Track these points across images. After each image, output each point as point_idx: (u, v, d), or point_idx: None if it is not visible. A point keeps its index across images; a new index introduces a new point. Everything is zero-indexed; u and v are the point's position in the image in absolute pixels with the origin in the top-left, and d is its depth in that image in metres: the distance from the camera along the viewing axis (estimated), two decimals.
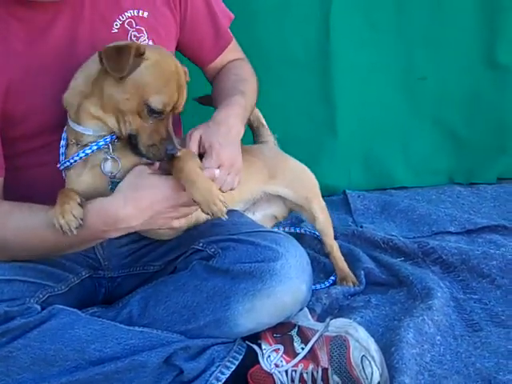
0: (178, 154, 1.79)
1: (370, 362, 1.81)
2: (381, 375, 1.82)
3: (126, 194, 1.79)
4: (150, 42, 2.01)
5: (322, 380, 1.84)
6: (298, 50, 3.19)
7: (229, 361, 1.86)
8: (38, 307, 1.83)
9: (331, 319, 1.96)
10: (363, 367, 1.81)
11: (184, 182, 1.77)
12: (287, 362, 1.87)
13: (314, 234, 2.70)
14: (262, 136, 2.46)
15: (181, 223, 1.89)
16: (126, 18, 2.00)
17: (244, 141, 2.13)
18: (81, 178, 1.83)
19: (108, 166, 1.82)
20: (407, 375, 1.89)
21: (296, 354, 1.88)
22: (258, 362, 1.87)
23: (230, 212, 2.08)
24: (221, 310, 1.87)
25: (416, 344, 2.03)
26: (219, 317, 1.87)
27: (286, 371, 1.86)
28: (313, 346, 1.88)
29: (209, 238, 1.98)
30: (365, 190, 3.26)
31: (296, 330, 1.94)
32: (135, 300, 1.96)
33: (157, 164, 1.83)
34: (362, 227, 2.89)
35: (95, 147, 1.80)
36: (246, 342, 1.92)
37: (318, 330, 1.91)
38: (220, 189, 1.87)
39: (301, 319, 1.98)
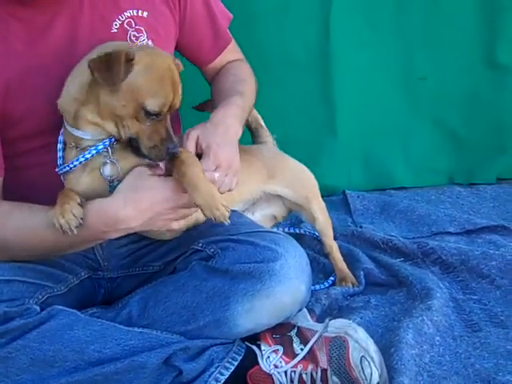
0: (179, 150, 1.80)
1: (369, 363, 1.81)
2: (380, 376, 1.82)
3: (126, 194, 1.79)
4: (150, 42, 2.01)
5: (321, 381, 1.84)
6: (298, 51, 3.19)
7: (228, 361, 1.86)
8: (38, 308, 1.83)
9: (330, 320, 1.96)
10: (362, 368, 1.81)
11: (187, 186, 1.77)
12: (286, 363, 1.87)
13: (314, 234, 2.70)
14: (261, 137, 2.47)
15: (180, 225, 1.89)
16: (126, 18, 2.00)
17: (242, 141, 2.13)
18: (80, 181, 1.83)
19: (107, 170, 1.82)
20: (406, 376, 1.89)
21: (295, 355, 1.88)
22: (258, 363, 1.87)
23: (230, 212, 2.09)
24: (220, 310, 1.87)
25: (415, 345, 2.03)
26: (218, 317, 1.87)
27: (286, 372, 1.86)
28: (312, 346, 1.88)
29: (208, 239, 1.98)
30: (364, 190, 3.26)
31: (295, 330, 1.94)
32: (135, 301, 1.96)
33: (162, 168, 1.83)
34: (361, 227, 2.89)
35: (94, 151, 1.80)
36: (246, 342, 1.92)
37: (317, 331, 1.91)
38: (218, 190, 1.87)
39: (300, 320, 1.98)
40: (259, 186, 2.31)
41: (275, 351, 1.89)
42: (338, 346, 1.85)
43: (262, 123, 2.48)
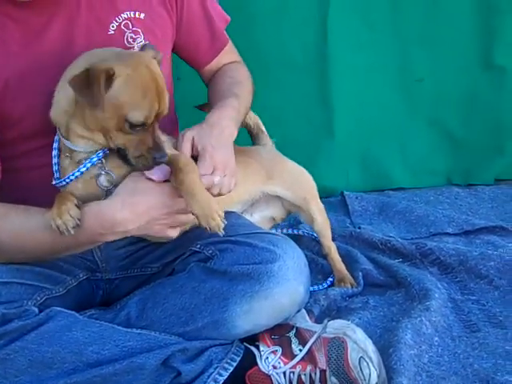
0: (177, 157, 1.80)
1: (367, 364, 1.81)
2: (378, 376, 1.82)
3: (124, 198, 1.78)
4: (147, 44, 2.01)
5: (320, 381, 1.84)
6: (296, 53, 3.20)
7: (227, 362, 1.86)
8: (36, 309, 1.83)
9: (329, 321, 1.96)
10: (361, 368, 1.81)
11: (184, 194, 1.77)
12: (285, 364, 1.87)
13: (312, 235, 2.70)
14: (261, 140, 2.47)
15: (175, 233, 1.89)
16: (123, 20, 2.00)
17: (239, 142, 2.13)
18: (77, 188, 1.83)
19: (103, 180, 1.82)
20: (405, 376, 1.89)
21: (294, 356, 1.88)
22: (256, 364, 1.87)
23: (228, 214, 2.09)
24: (219, 311, 1.87)
25: (414, 345, 2.03)
26: (217, 318, 1.87)
27: (284, 373, 1.86)
28: (311, 347, 1.88)
29: (206, 240, 1.98)
30: (362, 191, 3.26)
31: (294, 331, 1.95)
32: (133, 302, 1.96)
33: (161, 177, 1.83)
34: (359, 228, 2.89)
35: (89, 164, 1.80)
36: (244, 343, 1.92)
37: (315, 332, 1.91)
38: (220, 193, 1.88)
39: (299, 321, 1.99)
40: (258, 187, 2.30)
41: (274, 352, 1.89)
42: (337, 347, 1.85)
43: (263, 129, 2.48)
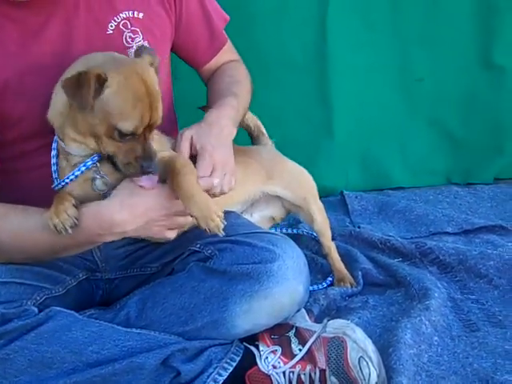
0: (174, 158, 1.81)
1: (367, 363, 1.81)
2: (378, 376, 1.82)
3: (123, 198, 1.79)
4: (146, 43, 2.01)
5: (320, 381, 1.84)
6: (296, 52, 3.20)
7: (226, 362, 1.86)
8: (35, 309, 1.83)
9: (329, 320, 1.96)
10: (361, 368, 1.81)
11: (182, 196, 1.77)
12: (285, 364, 1.87)
13: (312, 234, 2.70)
14: (261, 141, 2.48)
15: (173, 235, 1.89)
16: (121, 19, 2.00)
17: (238, 142, 2.13)
18: (74, 189, 1.83)
19: (99, 184, 1.83)
20: (405, 376, 1.89)
21: (294, 356, 1.88)
22: (256, 364, 1.88)
23: (227, 213, 2.09)
24: (218, 311, 1.87)
25: (413, 344, 2.03)
26: (216, 318, 1.87)
27: (284, 372, 1.86)
28: (310, 347, 1.88)
29: (206, 240, 1.98)
30: (362, 190, 3.26)
31: (293, 331, 1.95)
32: (133, 302, 1.96)
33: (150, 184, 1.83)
34: (359, 228, 2.89)
35: (83, 168, 1.80)
36: (244, 343, 1.92)
37: (315, 331, 1.91)
38: (221, 191, 1.88)
39: (298, 320, 1.99)
40: (258, 187, 2.30)
41: (273, 352, 1.89)
42: (337, 347, 1.85)
43: (263, 130, 2.49)
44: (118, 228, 1.79)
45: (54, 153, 1.86)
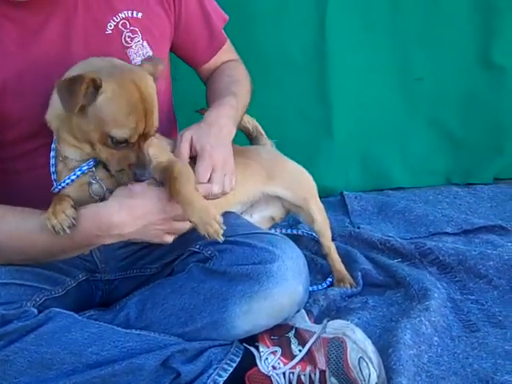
0: (173, 163, 1.81)
1: (367, 364, 1.81)
2: (378, 377, 1.82)
3: (122, 200, 1.79)
4: (145, 43, 2.02)
5: (320, 382, 1.84)
6: (295, 52, 3.20)
7: (226, 363, 1.86)
8: (35, 310, 1.83)
9: (328, 321, 1.96)
10: (361, 369, 1.81)
11: (181, 202, 1.77)
12: (285, 364, 1.87)
13: (311, 235, 2.70)
14: (260, 142, 2.48)
15: (171, 238, 1.89)
16: (120, 19, 2.00)
17: (238, 142, 2.13)
18: (71, 193, 1.83)
19: (95, 189, 1.83)
20: (404, 376, 1.89)
21: (293, 356, 1.88)
22: (256, 364, 1.88)
23: (227, 214, 2.10)
24: (218, 312, 1.87)
25: (413, 345, 2.03)
26: (216, 319, 1.87)
27: (284, 373, 1.86)
28: (310, 347, 1.88)
29: (205, 241, 1.97)
30: (362, 190, 3.26)
31: (293, 331, 1.95)
32: (132, 303, 1.96)
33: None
34: (359, 228, 2.89)
35: (79, 172, 1.81)
36: (244, 344, 1.92)
37: (315, 332, 1.91)
38: (223, 192, 1.89)
39: (298, 321, 1.99)
40: (258, 188, 2.29)
41: (273, 352, 1.89)
42: (336, 347, 1.85)
43: (262, 131, 2.49)
44: (116, 230, 1.78)
45: (52, 154, 1.86)
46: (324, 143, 3.28)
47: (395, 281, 2.45)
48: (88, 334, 1.83)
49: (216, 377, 1.84)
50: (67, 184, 1.82)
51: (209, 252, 1.95)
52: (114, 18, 2.00)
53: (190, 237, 2.00)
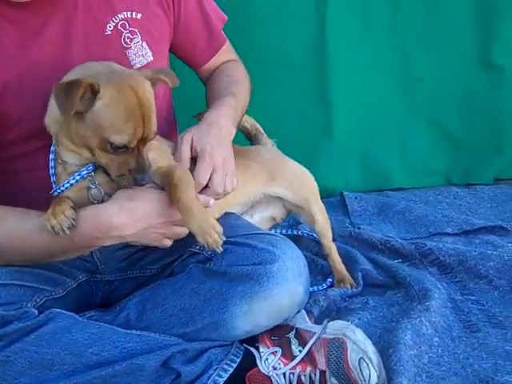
0: (173, 169, 1.81)
1: (367, 364, 1.81)
2: (378, 377, 1.82)
3: (122, 202, 1.79)
4: (144, 44, 2.02)
5: (320, 382, 1.84)
6: (295, 52, 3.20)
7: (226, 364, 1.86)
8: (35, 311, 1.83)
9: (329, 321, 1.96)
10: (361, 369, 1.81)
11: (181, 210, 1.77)
12: (285, 365, 1.87)
13: (312, 235, 2.70)
14: (261, 141, 2.47)
15: (170, 242, 1.89)
16: (120, 20, 2.00)
17: (238, 142, 2.13)
18: (71, 195, 1.83)
19: (94, 194, 1.83)
20: (405, 377, 1.89)
21: (294, 357, 1.88)
22: (256, 365, 1.88)
23: (227, 215, 2.10)
24: (218, 312, 1.87)
25: (414, 345, 2.03)
26: (217, 319, 1.87)
27: (284, 374, 1.86)
28: (310, 348, 1.88)
29: None
30: (362, 191, 3.26)
31: (294, 332, 1.95)
32: (132, 303, 1.96)
33: None
34: (359, 229, 2.89)
35: (78, 177, 1.81)
36: (244, 344, 1.92)
37: (315, 333, 1.91)
38: (224, 192, 1.90)
39: (298, 321, 1.99)
40: (259, 189, 2.28)
41: (274, 353, 1.89)
42: (337, 348, 1.85)
43: (261, 130, 2.48)
44: (115, 231, 1.78)
45: (51, 156, 1.86)
46: (324, 143, 3.28)
47: (395, 281, 2.45)
48: (88, 335, 1.82)
49: (216, 377, 1.84)
50: (66, 188, 1.82)
51: (209, 252, 1.95)
52: (114, 19, 2.00)
53: (190, 238, 2.00)
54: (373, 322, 2.23)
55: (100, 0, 1.99)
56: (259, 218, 2.36)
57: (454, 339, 2.14)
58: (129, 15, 2.02)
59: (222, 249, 1.76)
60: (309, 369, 1.85)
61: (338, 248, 2.51)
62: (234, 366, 1.86)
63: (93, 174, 1.81)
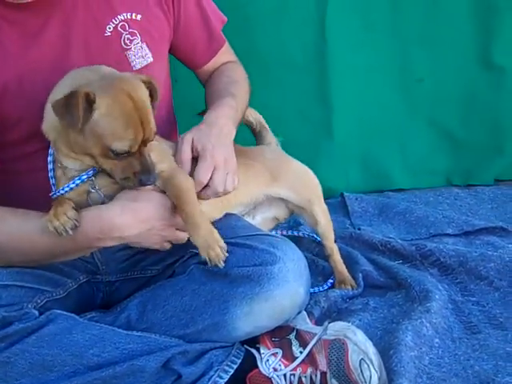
0: (177, 179, 1.82)
1: (368, 366, 1.81)
2: (379, 378, 1.82)
3: (124, 203, 1.79)
4: (144, 45, 2.02)
5: None
6: (295, 53, 3.19)
7: (227, 365, 1.86)
8: (36, 312, 1.83)
9: (329, 322, 1.96)
10: (362, 370, 1.81)
11: (185, 221, 1.79)
12: (286, 366, 1.87)
13: (313, 236, 2.70)
14: (265, 139, 2.45)
15: (169, 245, 1.90)
16: (119, 21, 2.00)
17: (240, 141, 2.13)
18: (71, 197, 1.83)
19: (94, 198, 1.83)
20: (406, 378, 1.89)
21: (294, 358, 1.88)
22: (257, 366, 1.88)
23: (228, 216, 2.10)
24: (219, 313, 1.87)
25: (414, 347, 2.03)
26: (217, 320, 1.87)
27: (285, 375, 1.86)
28: (311, 349, 1.88)
29: None
30: (362, 192, 3.25)
31: (294, 333, 1.94)
32: (133, 304, 1.96)
33: None
34: (359, 230, 2.89)
35: (78, 181, 1.80)
36: (245, 345, 1.92)
37: (316, 334, 1.91)
38: (225, 191, 1.90)
39: (299, 323, 1.98)
40: (261, 190, 2.27)
41: (274, 354, 1.89)
42: (337, 349, 1.85)
43: (266, 126, 2.46)
44: (117, 232, 1.79)
45: (50, 159, 1.85)
46: (324, 144, 3.28)
47: (396, 282, 2.45)
48: (89, 336, 1.83)
49: (217, 378, 1.84)
50: (66, 192, 1.81)
51: (210, 267, 1.94)
52: (113, 20, 1.99)
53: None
54: (373, 323, 2.23)
55: (100, 1, 1.98)
56: (261, 219, 2.35)
57: (454, 340, 2.14)
58: (128, 16, 2.01)
59: (223, 264, 1.78)
60: (309, 370, 1.85)
61: (339, 249, 2.50)
62: (235, 367, 1.86)
63: (93, 178, 1.81)
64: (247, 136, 2.43)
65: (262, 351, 1.90)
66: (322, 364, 1.84)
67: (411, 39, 3.21)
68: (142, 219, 1.79)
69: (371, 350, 1.84)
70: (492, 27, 3.20)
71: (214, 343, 1.89)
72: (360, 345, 1.84)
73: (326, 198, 2.45)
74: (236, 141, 2.07)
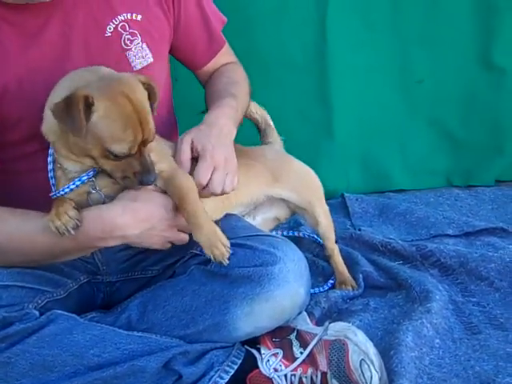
0: (180, 179, 1.82)
1: (368, 366, 1.81)
2: (380, 379, 1.82)
3: (125, 203, 1.79)
4: (144, 45, 2.01)
5: None
6: (296, 53, 3.19)
7: (228, 365, 1.86)
8: (37, 313, 1.83)
9: (330, 323, 1.96)
10: (362, 371, 1.81)
11: (188, 221, 1.79)
12: (286, 367, 1.87)
13: (313, 237, 2.70)
14: (269, 137, 2.45)
15: (169, 245, 1.90)
16: (120, 22, 1.99)
17: (241, 141, 2.12)
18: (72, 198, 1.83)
19: (94, 198, 1.82)
20: (406, 378, 1.89)
21: (295, 359, 1.88)
22: (257, 367, 1.88)
23: (228, 216, 2.10)
24: (219, 314, 1.87)
25: (415, 347, 2.03)
26: (218, 321, 1.87)
27: (285, 375, 1.86)
28: (312, 350, 1.88)
29: None
30: (363, 192, 3.25)
31: (295, 334, 1.95)
32: (134, 305, 1.96)
33: None
34: (360, 230, 2.89)
35: (78, 182, 1.80)
36: (245, 346, 1.92)
37: (316, 334, 1.91)
38: (223, 191, 1.89)
39: (300, 323, 1.98)
40: (262, 190, 2.27)
41: (275, 355, 1.89)
42: (338, 349, 1.85)
43: (271, 123, 2.46)
44: (119, 232, 1.79)
45: (50, 159, 1.85)
46: (324, 144, 3.28)
47: (397, 283, 2.45)
48: (90, 336, 1.82)
49: (218, 379, 1.84)
50: (66, 193, 1.81)
51: (214, 264, 1.94)
52: (114, 21, 1.99)
53: (192, 239, 2.00)
54: (374, 324, 2.23)
55: (100, 1, 1.98)
56: (262, 220, 2.34)
57: (455, 341, 2.15)
58: (129, 17, 2.01)
59: (228, 261, 1.78)
60: (310, 370, 1.85)
61: (339, 250, 2.50)
62: (235, 367, 1.86)
63: (93, 178, 1.80)
64: (247, 136, 2.43)
65: (262, 351, 1.90)
66: (323, 364, 1.85)
67: (411, 39, 3.21)
68: (142, 219, 1.79)
69: (372, 350, 1.84)
70: (492, 27, 3.20)
71: (215, 343, 1.89)
72: (360, 345, 1.84)
73: (326, 199, 2.45)
74: (236, 140, 2.07)
